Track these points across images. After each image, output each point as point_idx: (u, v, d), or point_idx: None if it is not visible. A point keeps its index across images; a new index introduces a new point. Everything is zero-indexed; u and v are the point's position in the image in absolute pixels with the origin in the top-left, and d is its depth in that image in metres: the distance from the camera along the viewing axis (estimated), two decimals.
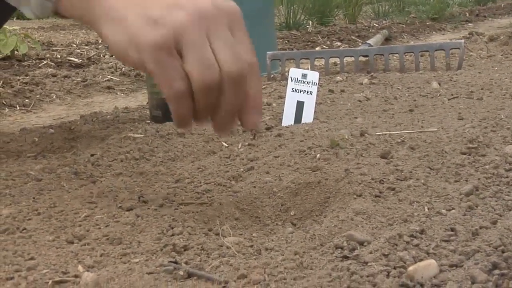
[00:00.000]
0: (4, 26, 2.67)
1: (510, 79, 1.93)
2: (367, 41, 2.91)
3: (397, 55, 2.36)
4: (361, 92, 1.83)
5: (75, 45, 3.25)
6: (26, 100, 2.08)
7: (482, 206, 0.83)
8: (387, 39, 3.64)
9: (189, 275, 0.68)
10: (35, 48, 2.82)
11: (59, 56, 2.89)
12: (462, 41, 2.37)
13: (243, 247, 0.76)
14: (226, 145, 1.25)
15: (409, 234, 0.73)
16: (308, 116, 1.45)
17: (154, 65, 0.78)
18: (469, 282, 0.63)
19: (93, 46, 3.21)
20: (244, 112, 0.82)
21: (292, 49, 3.38)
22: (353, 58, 2.34)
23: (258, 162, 1.09)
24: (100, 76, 2.47)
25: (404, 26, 4.82)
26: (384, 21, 5.10)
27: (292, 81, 1.46)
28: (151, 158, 1.17)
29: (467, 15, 5.96)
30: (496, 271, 0.64)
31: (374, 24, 4.89)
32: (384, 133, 1.25)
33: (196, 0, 0.80)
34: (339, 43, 3.79)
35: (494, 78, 1.97)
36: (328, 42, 3.78)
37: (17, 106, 2.02)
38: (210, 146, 1.26)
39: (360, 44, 3.38)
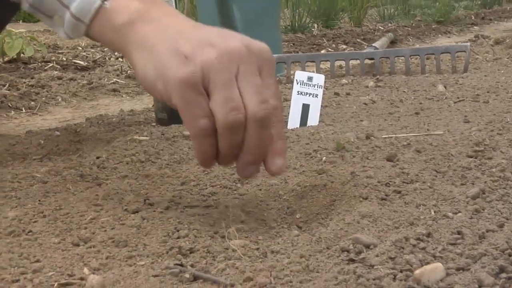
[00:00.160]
0: (10, 29, 2.69)
1: None
2: (373, 44, 2.91)
3: (403, 58, 2.35)
4: (367, 95, 1.83)
5: (80, 48, 3.25)
6: (32, 103, 2.08)
7: (489, 209, 0.83)
8: (392, 42, 3.64)
9: (195, 278, 0.68)
10: (41, 50, 2.82)
11: (64, 59, 2.89)
12: (468, 44, 2.37)
13: (249, 249, 0.75)
14: None
15: (415, 237, 0.73)
16: (313, 119, 1.45)
17: (180, 101, 0.78)
18: (476, 285, 0.62)
19: (98, 49, 3.21)
20: (268, 156, 0.82)
21: (298, 52, 3.38)
22: (358, 61, 2.34)
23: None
24: (106, 79, 2.47)
25: (409, 29, 4.82)
26: (389, 24, 5.09)
27: (297, 83, 1.46)
28: (156, 160, 1.17)
29: (473, 18, 5.95)
30: (503, 275, 0.64)
31: (380, 27, 4.88)
32: (390, 136, 1.24)
33: (228, 39, 0.80)
34: (344, 46, 3.79)
35: (500, 81, 1.97)
36: (334, 45, 3.78)
37: (23, 108, 2.03)
38: None
39: (365, 47, 3.37)
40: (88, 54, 3.08)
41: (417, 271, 0.64)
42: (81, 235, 0.80)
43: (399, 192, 0.90)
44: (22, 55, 2.72)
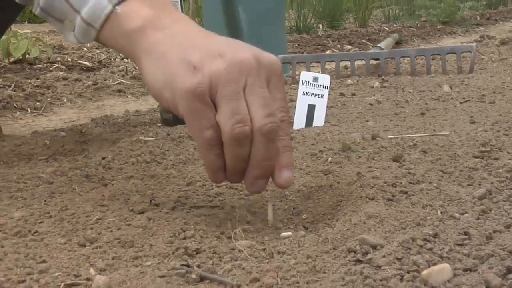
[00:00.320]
0: (16, 29, 2.69)
1: None
2: (378, 45, 2.90)
3: (408, 58, 2.35)
4: (372, 96, 1.83)
5: (85, 49, 3.25)
6: (37, 103, 2.09)
7: (496, 210, 0.82)
8: (397, 43, 3.63)
9: (201, 279, 0.68)
10: (46, 51, 2.83)
11: (70, 60, 2.90)
12: (474, 44, 2.36)
13: (255, 250, 0.75)
14: None
15: (422, 238, 0.72)
16: (319, 119, 1.44)
17: (186, 111, 0.78)
18: (483, 286, 0.62)
19: (103, 49, 3.21)
20: (275, 169, 0.81)
21: (303, 53, 3.38)
22: (364, 62, 2.34)
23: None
24: (111, 80, 2.47)
25: (414, 29, 4.81)
26: (394, 25, 5.08)
27: (303, 84, 1.46)
28: (162, 161, 1.17)
29: (478, 18, 5.93)
30: (511, 275, 0.64)
31: (385, 27, 4.87)
32: (396, 136, 1.24)
33: (238, 50, 0.80)
34: (349, 47, 3.79)
35: (506, 81, 1.96)
36: (339, 46, 3.78)
37: (29, 109, 2.03)
38: None
39: (370, 47, 3.37)
40: (94, 54, 3.08)
41: (424, 272, 0.64)
42: (87, 236, 0.80)
43: (406, 192, 0.90)
44: (27, 56, 2.73)
